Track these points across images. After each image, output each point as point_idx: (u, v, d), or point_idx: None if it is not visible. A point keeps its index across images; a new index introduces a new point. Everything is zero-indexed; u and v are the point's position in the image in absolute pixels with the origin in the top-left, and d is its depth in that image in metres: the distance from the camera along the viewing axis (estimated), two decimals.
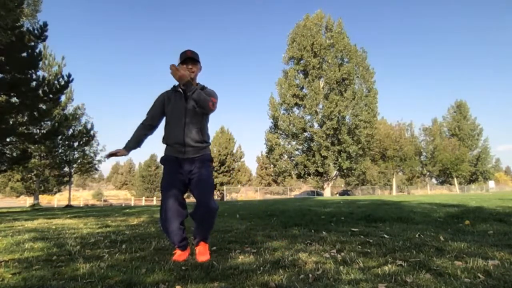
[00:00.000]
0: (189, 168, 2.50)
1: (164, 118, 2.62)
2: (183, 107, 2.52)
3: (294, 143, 30.95)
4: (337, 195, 37.38)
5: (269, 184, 53.45)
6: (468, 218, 4.38)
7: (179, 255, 2.46)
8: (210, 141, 2.70)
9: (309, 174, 30.92)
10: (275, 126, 31.00)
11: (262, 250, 2.64)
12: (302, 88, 30.32)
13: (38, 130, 18.36)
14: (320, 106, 29.47)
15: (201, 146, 2.56)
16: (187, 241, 2.55)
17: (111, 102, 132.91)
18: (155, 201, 42.97)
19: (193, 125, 2.51)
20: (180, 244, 2.50)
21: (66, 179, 27.92)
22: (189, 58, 2.51)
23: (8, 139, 14.52)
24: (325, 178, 31.00)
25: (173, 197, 2.47)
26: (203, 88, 2.64)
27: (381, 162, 40.28)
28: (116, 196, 63.93)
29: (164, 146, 2.61)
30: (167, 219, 2.47)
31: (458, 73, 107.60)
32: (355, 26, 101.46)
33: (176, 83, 2.63)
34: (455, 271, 1.89)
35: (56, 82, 14.71)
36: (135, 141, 2.59)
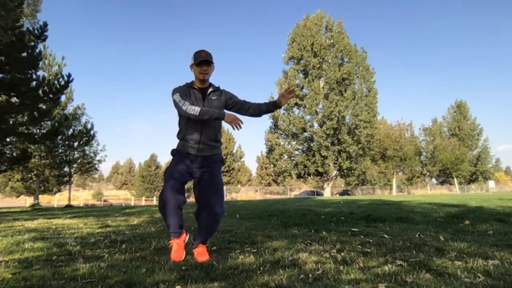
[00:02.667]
0: (201, 165, 2.52)
1: (179, 114, 2.58)
2: (201, 106, 2.51)
3: (294, 143, 30.99)
4: (337, 195, 37.40)
5: (269, 184, 53.47)
6: (468, 218, 4.38)
7: (176, 252, 2.44)
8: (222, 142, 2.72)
9: (309, 174, 30.94)
10: (275, 126, 31.02)
11: (262, 250, 2.64)
12: (302, 88, 30.33)
13: (38, 130, 18.35)
14: (320, 106, 29.50)
15: (215, 145, 2.59)
16: (182, 229, 2.56)
17: (111, 102, 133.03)
18: (155, 201, 42.96)
19: (211, 124, 2.54)
20: (177, 230, 2.50)
21: (66, 179, 27.92)
22: (204, 60, 2.51)
23: (8, 139, 14.53)
24: (325, 178, 31.01)
25: (176, 185, 2.48)
26: (218, 88, 2.64)
27: (381, 162, 40.29)
28: (116, 196, 63.90)
29: (177, 141, 2.63)
30: (167, 204, 2.47)
31: (458, 73, 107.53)
32: (355, 26, 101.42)
33: (189, 80, 2.63)
34: (455, 271, 1.89)
35: (56, 82, 14.70)
36: None
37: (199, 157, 2.53)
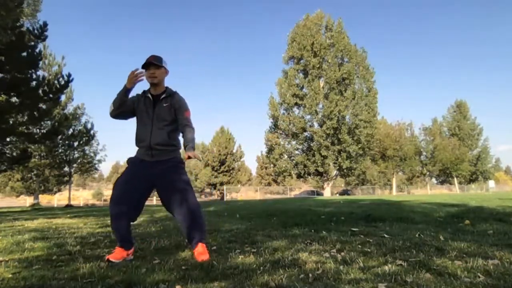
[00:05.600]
0: (157, 170, 2.45)
1: (135, 121, 2.61)
2: (151, 112, 2.52)
3: (294, 142, 30.99)
4: (337, 195, 37.40)
5: (269, 184, 53.44)
6: (468, 217, 4.38)
7: (114, 254, 2.41)
8: (180, 144, 2.60)
9: (309, 174, 30.94)
10: (275, 126, 31.02)
11: (262, 250, 2.64)
12: (302, 87, 30.33)
13: (38, 130, 18.35)
14: (320, 105, 29.48)
15: (169, 149, 2.53)
16: (130, 243, 2.52)
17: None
18: (155, 200, 42.94)
19: (161, 129, 2.50)
20: (123, 243, 2.47)
21: (66, 178, 27.93)
22: (150, 63, 2.51)
23: (8, 139, 14.52)
24: (325, 178, 31.01)
25: (124, 195, 2.43)
26: (173, 94, 2.59)
27: (381, 162, 40.30)
28: None
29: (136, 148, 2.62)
30: (114, 217, 2.45)
31: (458, 73, 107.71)
32: (355, 26, 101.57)
33: (146, 87, 2.64)
34: (455, 270, 1.89)
35: (56, 81, 14.70)
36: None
37: (155, 163, 2.47)
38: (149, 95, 2.58)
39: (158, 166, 2.48)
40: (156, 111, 2.52)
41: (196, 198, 2.58)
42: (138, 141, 2.57)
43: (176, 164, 2.55)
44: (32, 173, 24.83)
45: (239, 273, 1.98)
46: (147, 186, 2.51)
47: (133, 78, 2.43)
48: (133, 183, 2.46)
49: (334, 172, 31.47)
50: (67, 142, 25.40)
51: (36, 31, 13.32)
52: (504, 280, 1.71)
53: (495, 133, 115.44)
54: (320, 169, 29.31)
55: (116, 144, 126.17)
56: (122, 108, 2.54)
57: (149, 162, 2.49)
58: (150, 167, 2.47)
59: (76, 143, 26.24)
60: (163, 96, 2.56)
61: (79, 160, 27.26)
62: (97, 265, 2.21)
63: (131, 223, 2.57)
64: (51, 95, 14.05)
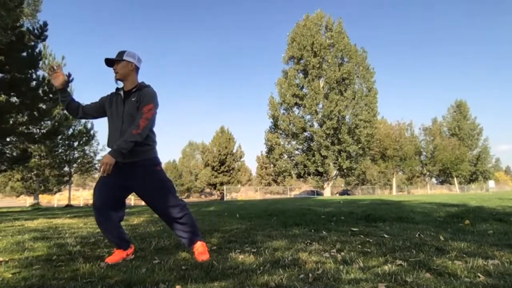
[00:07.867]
0: (131, 173, 2.36)
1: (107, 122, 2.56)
2: (121, 110, 2.43)
3: (294, 142, 31.00)
4: (337, 194, 37.39)
5: (269, 184, 53.44)
6: (468, 217, 4.39)
7: (113, 256, 2.40)
8: (155, 142, 2.51)
9: (309, 174, 30.95)
10: (275, 126, 31.03)
11: (262, 250, 2.64)
12: (302, 87, 30.34)
13: (38, 130, 18.33)
14: (320, 105, 29.48)
15: (140, 150, 2.37)
16: (126, 242, 2.50)
17: None
18: None
19: (128, 125, 2.37)
20: (118, 243, 2.46)
21: (66, 178, 27.92)
22: (108, 60, 2.49)
23: (8, 139, 14.52)
24: (325, 178, 31.01)
25: (104, 200, 2.40)
26: (142, 87, 2.47)
27: (381, 161, 40.31)
28: None
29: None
30: (101, 224, 2.44)
31: (458, 73, 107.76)
32: (355, 26, 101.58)
33: (119, 86, 2.56)
34: (455, 270, 1.89)
35: None
36: (74, 102, 2.58)
37: (127, 165, 2.33)
38: (121, 92, 2.51)
39: (132, 168, 2.36)
40: (126, 107, 2.42)
41: (178, 197, 2.54)
42: (108, 142, 2.46)
43: (151, 165, 2.44)
44: (32, 173, 24.81)
45: (239, 273, 1.98)
46: (125, 186, 2.43)
47: (50, 75, 2.48)
48: (110, 187, 2.39)
49: (334, 172, 31.47)
50: (67, 142, 25.41)
51: (36, 31, 13.32)
52: (504, 280, 1.71)
53: (495, 133, 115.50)
54: (320, 169, 29.32)
55: None
56: (68, 105, 2.56)
57: (122, 164, 2.33)
58: (124, 169, 2.31)
59: (76, 143, 26.25)
60: (133, 90, 2.46)
61: (79, 160, 27.26)
62: (97, 265, 2.21)
63: (120, 222, 2.54)
64: (51, 95, 14.04)
